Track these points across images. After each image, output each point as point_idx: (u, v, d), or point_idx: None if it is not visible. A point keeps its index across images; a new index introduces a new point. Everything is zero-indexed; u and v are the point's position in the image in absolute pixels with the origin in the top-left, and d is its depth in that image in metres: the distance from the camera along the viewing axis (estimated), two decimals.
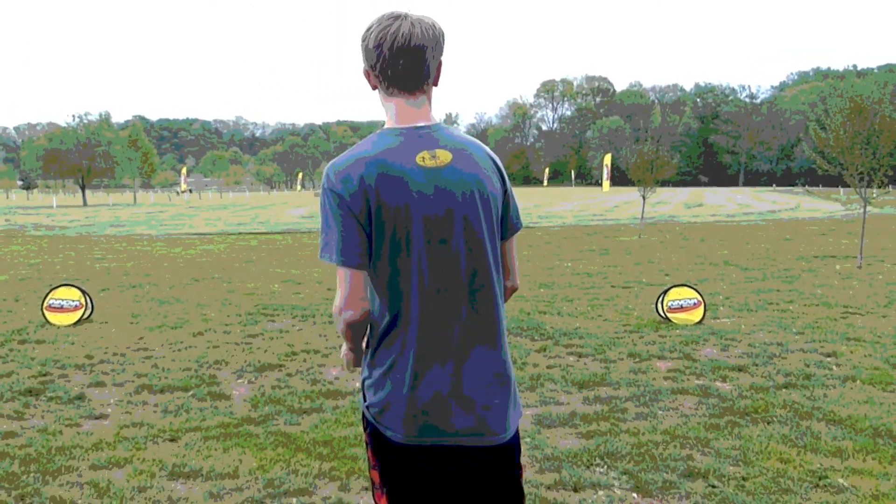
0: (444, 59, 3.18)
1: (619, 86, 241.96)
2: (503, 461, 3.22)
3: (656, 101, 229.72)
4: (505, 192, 3.24)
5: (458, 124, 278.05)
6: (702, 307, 12.34)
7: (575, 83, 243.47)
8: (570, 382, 9.00)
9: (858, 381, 8.83)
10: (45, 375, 9.52)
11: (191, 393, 8.77)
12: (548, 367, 9.74)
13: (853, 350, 10.40)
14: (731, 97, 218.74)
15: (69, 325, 12.53)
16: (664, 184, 49.61)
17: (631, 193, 36.81)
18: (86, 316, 12.90)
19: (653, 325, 12.28)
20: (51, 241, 34.19)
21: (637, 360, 10.08)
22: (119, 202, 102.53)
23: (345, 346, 3.36)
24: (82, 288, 13.24)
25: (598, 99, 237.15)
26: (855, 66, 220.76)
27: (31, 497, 5.91)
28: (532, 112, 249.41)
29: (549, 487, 6.02)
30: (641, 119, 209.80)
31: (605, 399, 8.35)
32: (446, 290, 3.03)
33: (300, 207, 73.45)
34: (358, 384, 8.84)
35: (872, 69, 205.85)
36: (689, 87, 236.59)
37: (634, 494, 5.92)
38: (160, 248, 30.15)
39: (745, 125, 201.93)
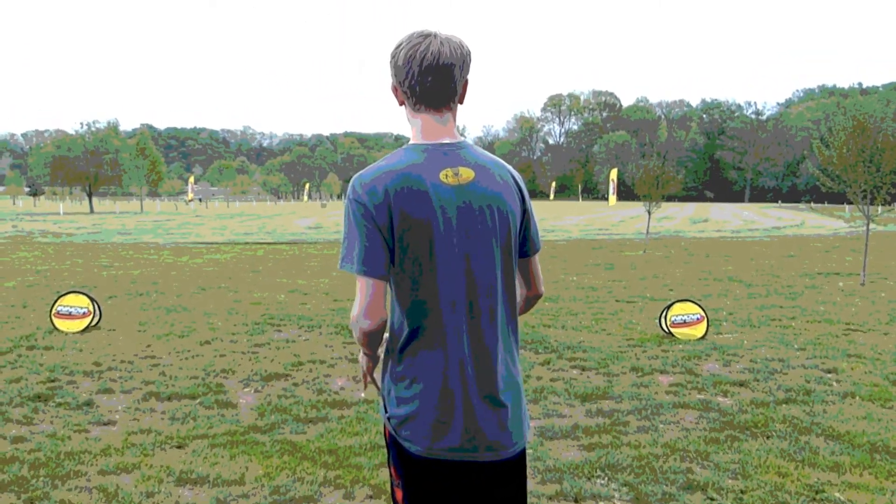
0: (469, 77, 3.24)
1: (626, 101, 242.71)
2: (516, 472, 3.29)
3: (663, 116, 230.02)
4: (525, 211, 3.30)
5: (464, 137, 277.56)
6: (705, 322, 12.41)
7: (582, 98, 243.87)
8: (572, 395, 9.08)
9: (858, 398, 8.91)
10: (53, 381, 9.60)
11: (198, 401, 8.86)
12: (551, 380, 9.82)
13: (854, 367, 10.47)
14: (737, 113, 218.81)
15: (77, 332, 12.61)
16: (670, 199, 49.70)
17: (637, 208, 36.94)
18: (94, 323, 12.98)
19: (656, 339, 12.35)
20: (58, 248, 34.29)
21: (640, 374, 10.15)
22: (126, 210, 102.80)
23: (361, 352, 3.41)
24: (90, 295, 13.32)
25: (604, 113, 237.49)
26: (860, 84, 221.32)
27: (40, 501, 5.99)
28: (539, 126, 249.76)
29: (550, 498, 6.10)
30: (648, 134, 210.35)
31: (607, 412, 8.43)
32: (465, 304, 3.08)
33: (307, 218, 73.68)
34: (363, 395, 8.99)
35: (877, 87, 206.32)
36: (695, 102, 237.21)
37: None
38: (167, 256, 30.26)
39: (751, 141, 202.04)
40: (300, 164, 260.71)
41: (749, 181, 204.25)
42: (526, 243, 3.34)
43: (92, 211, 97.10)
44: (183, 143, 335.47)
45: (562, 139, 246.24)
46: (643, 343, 12.11)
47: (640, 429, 7.87)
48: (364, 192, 3.03)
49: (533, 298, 3.51)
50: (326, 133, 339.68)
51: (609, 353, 11.33)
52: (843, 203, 43.68)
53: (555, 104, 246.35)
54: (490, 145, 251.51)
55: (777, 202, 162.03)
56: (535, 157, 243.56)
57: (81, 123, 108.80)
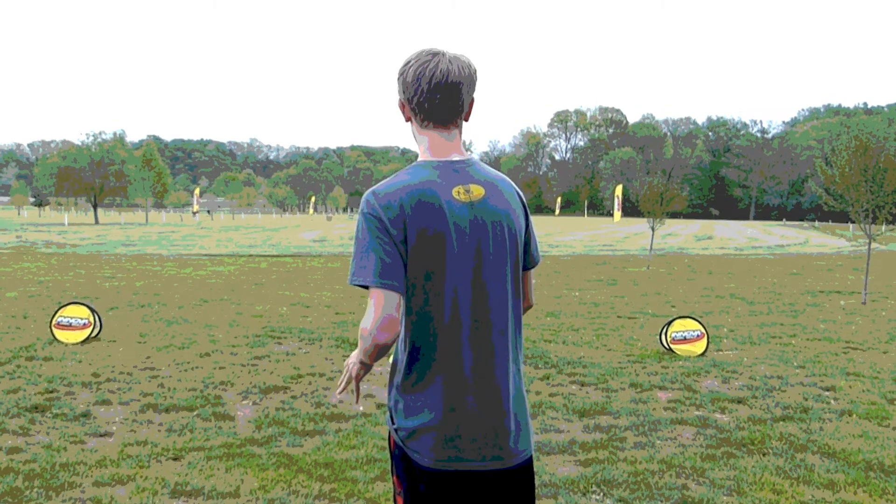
0: (475, 96, 3.32)
1: (632, 118, 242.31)
2: (523, 480, 3.30)
3: (668, 133, 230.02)
4: (527, 226, 3.38)
5: (471, 152, 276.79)
6: (705, 339, 12.41)
7: (588, 114, 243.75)
8: (571, 411, 9.08)
9: (855, 416, 8.91)
10: (51, 392, 9.60)
11: (195, 413, 8.86)
12: (550, 396, 9.82)
13: (852, 385, 10.48)
14: (742, 132, 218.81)
15: (77, 343, 12.62)
16: (675, 216, 49.72)
17: (642, 224, 37.01)
18: (94, 334, 12.99)
19: (656, 356, 12.35)
20: (61, 259, 34.33)
21: (638, 390, 10.16)
22: (131, 221, 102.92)
23: (354, 359, 3.34)
24: (91, 306, 13.33)
25: (610, 130, 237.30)
26: (865, 104, 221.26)
27: None
28: (545, 142, 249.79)
29: None
30: (653, 151, 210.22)
31: (604, 428, 8.43)
32: (474, 319, 3.14)
33: (312, 231, 73.72)
34: (362, 408, 8.98)
35: (882, 108, 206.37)
36: (701, 120, 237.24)
37: None
38: (170, 268, 30.27)
39: (757, 160, 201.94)
40: (306, 177, 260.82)
41: (754, 199, 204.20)
42: (526, 258, 3.40)
43: (97, 222, 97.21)
44: (189, 155, 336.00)
45: (568, 155, 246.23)
46: (643, 359, 12.11)
47: (637, 445, 7.87)
48: (379, 207, 3.07)
49: (525, 309, 3.52)
50: (333, 146, 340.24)
51: (609, 369, 11.34)
52: (847, 222, 43.71)
53: (561, 120, 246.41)
54: (496, 160, 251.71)
55: (782, 220, 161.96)
56: (540, 173, 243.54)
57: (87, 134, 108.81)
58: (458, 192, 3.15)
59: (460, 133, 3.32)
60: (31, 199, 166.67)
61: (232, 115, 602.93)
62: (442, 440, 3.12)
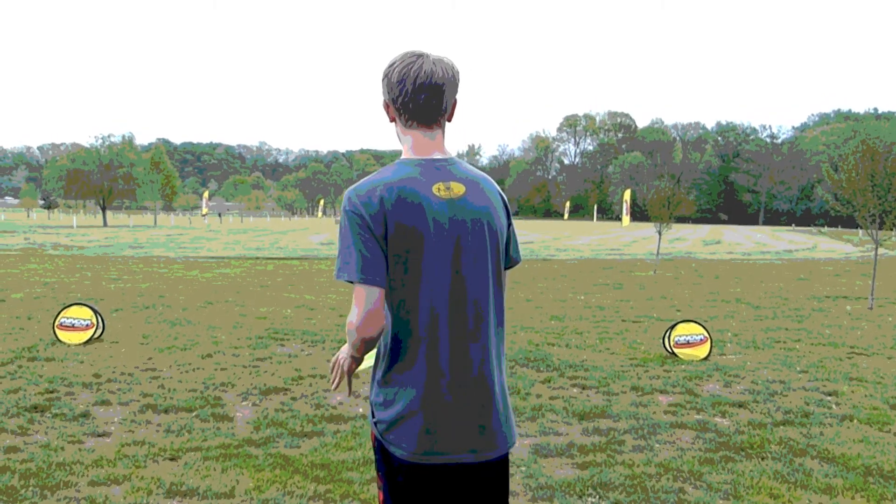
0: (458, 97, 3.39)
1: (641, 122, 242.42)
2: (498, 474, 3.39)
3: (678, 138, 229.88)
4: (509, 226, 3.46)
5: (480, 156, 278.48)
6: (708, 343, 12.39)
7: (597, 118, 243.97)
8: (570, 414, 9.05)
9: (856, 421, 8.88)
10: (51, 392, 9.60)
11: (194, 414, 8.85)
12: (550, 398, 9.80)
13: (854, 390, 10.44)
14: (752, 136, 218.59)
15: (79, 344, 12.63)
16: (683, 220, 49.81)
17: (650, 229, 37.01)
18: (96, 335, 13.00)
19: (659, 359, 12.32)
20: (68, 261, 34.36)
21: (640, 393, 10.13)
22: (139, 224, 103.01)
23: (344, 353, 3.43)
24: (94, 307, 13.34)
25: (619, 135, 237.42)
26: (875, 109, 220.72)
27: None
28: (554, 146, 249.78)
29: None
30: (663, 156, 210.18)
31: (604, 431, 8.41)
32: (453, 313, 3.19)
33: (320, 234, 73.81)
34: (361, 410, 8.97)
35: (893, 113, 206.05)
36: (710, 125, 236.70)
37: None
38: (177, 270, 30.31)
39: (766, 165, 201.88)
40: (315, 181, 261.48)
41: (763, 204, 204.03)
42: (507, 256, 3.46)
43: (105, 224, 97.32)
44: (199, 158, 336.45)
45: (577, 159, 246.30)
46: (646, 363, 12.09)
47: (636, 448, 7.85)
48: (360, 204, 3.14)
49: None
50: (342, 150, 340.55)
51: (611, 373, 11.32)
52: (856, 227, 43.73)
53: (570, 124, 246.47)
54: (505, 164, 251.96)
55: (791, 226, 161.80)
56: (549, 177, 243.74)
57: (96, 137, 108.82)
58: (439, 189, 3.21)
59: (443, 133, 3.37)
60: (41, 202, 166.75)
61: (241, 119, 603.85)
62: (418, 433, 3.18)
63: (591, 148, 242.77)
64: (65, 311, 13.03)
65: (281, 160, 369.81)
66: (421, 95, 3.22)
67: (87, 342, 12.74)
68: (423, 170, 3.24)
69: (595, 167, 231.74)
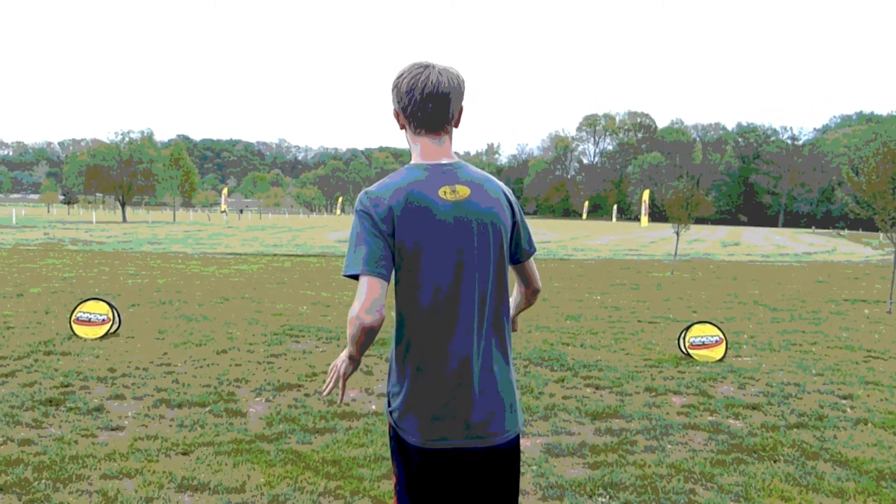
0: (464, 104, 3.59)
1: (661, 122, 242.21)
2: (508, 459, 3.57)
3: (698, 138, 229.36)
4: (515, 222, 3.64)
5: (499, 154, 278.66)
6: (723, 345, 12.35)
7: (617, 118, 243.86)
8: (583, 413, 9.05)
9: (870, 424, 8.84)
10: (66, 387, 9.65)
11: (208, 409, 8.88)
12: (563, 398, 9.79)
13: (870, 394, 10.40)
14: (773, 138, 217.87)
15: (96, 339, 12.68)
16: (703, 222, 49.71)
17: (669, 230, 37.00)
18: (112, 330, 13.05)
19: (674, 360, 12.30)
20: (87, 256, 34.45)
21: (653, 394, 10.12)
22: (158, 220, 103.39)
23: (343, 357, 3.56)
24: (110, 302, 13.39)
25: (639, 135, 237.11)
26: None
27: (40, 503, 6.02)
28: (574, 145, 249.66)
29: None
30: (682, 156, 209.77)
31: (616, 431, 8.40)
32: (459, 308, 3.39)
33: (338, 231, 73.83)
34: (374, 407, 8.99)
35: None
36: (731, 126, 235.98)
37: None
38: (194, 266, 30.36)
39: (787, 166, 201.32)
40: (334, 178, 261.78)
41: (783, 206, 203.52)
42: (518, 251, 3.68)
43: (125, 220, 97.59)
44: (218, 155, 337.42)
45: (596, 159, 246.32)
46: (660, 364, 12.07)
47: (648, 448, 7.84)
48: (370, 205, 3.35)
49: (532, 294, 3.91)
50: (361, 147, 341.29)
51: (625, 373, 11.30)
52: (876, 230, 43.44)
53: (590, 124, 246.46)
54: (524, 163, 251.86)
55: (811, 228, 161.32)
56: (568, 177, 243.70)
57: (116, 133, 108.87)
58: (445, 192, 3.40)
59: (450, 139, 3.57)
60: (61, 197, 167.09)
61: (261, 116, 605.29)
62: (428, 419, 3.40)
63: (610, 148, 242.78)
64: (81, 305, 13.08)
65: (300, 157, 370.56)
66: (429, 104, 3.41)
67: (103, 337, 12.79)
68: (430, 174, 3.43)
69: (614, 167, 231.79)
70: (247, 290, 21.62)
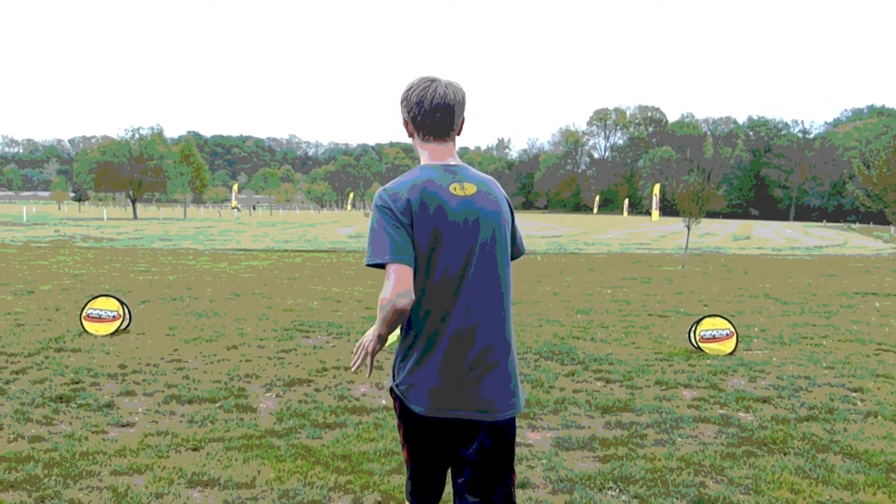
0: (465, 114, 4.01)
1: (672, 116, 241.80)
2: (506, 433, 3.95)
3: (709, 132, 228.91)
4: (512, 221, 4.12)
5: (510, 149, 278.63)
6: (734, 338, 12.33)
7: (628, 112, 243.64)
8: (593, 407, 9.04)
9: (881, 417, 8.81)
10: (77, 383, 9.66)
11: (218, 404, 8.89)
12: (574, 392, 9.79)
13: (880, 386, 10.37)
14: (784, 131, 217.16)
15: (106, 335, 12.70)
16: (714, 215, 49.62)
17: (680, 224, 36.92)
18: (123, 326, 13.08)
19: (684, 354, 12.29)
20: (97, 253, 34.53)
21: (664, 387, 10.10)
22: (169, 216, 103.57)
23: (370, 336, 3.96)
24: (121, 299, 13.41)
25: (650, 129, 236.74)
26: None
27: (51, 499, 6.02)
28: (584, 140, 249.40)
29: None
30: (693, 150, 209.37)
31: (626, 425, 8.39)
32: (470, 291, 3.79)
33: (349, 226, 73.91)
34: (384, 402, 9.01)
35: None
36: (742, 119, 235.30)
37: None
38: (205, 262, 30.39)
39: (798, 160, 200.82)
40: (345, 174, 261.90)
41: (794, 200, 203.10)
42: (512, 248, 4.12)
43: (135, 217, 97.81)
44: (229, 151, 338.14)
45: (607, 153, 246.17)
46: (671, 357, 12.05)
47: (658, 442, 7.83)
48: (390, 200, 3.74)
49: None
50: (372, 143, 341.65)
51: (635, 367, 11.29)
52: (887, 224, 43.41)
53: (601, 118, 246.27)
54: (535, 158, 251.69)
55: (822, 221, 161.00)
56: (579, 171, 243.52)
57: (126, 129, 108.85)
58: (455, 189, 3.81)
59: (454, 144, 4.01)
60: (72, 194, 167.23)
61: (271, 112, 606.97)
62: (434, 393, 3.78)
63: (621, 142, 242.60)
64: (91, 302, 13.10)
65: (311, 153, 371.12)
66: (437, 114, 3.84)
67: (113, 333, 12.82)
68: (440, 173, 3.84)
69: (625, 161, 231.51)
70: (257, 285, 21.64)
